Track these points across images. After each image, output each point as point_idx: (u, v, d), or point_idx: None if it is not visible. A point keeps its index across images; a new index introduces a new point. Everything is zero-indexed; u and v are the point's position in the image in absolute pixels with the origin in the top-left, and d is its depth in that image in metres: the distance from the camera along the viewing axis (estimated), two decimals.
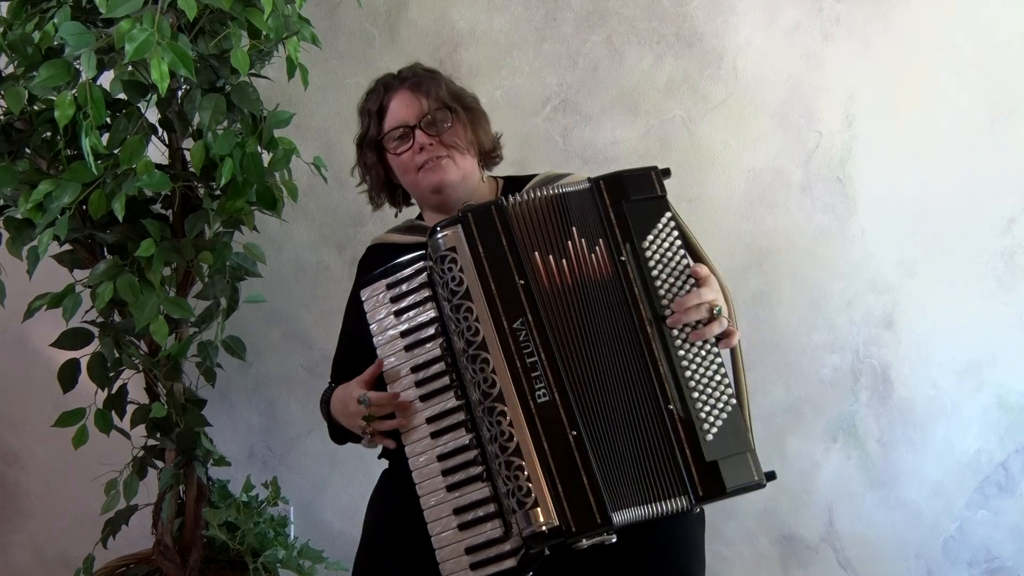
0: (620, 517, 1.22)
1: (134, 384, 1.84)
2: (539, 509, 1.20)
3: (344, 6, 2.17)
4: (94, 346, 1.75)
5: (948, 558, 2.21)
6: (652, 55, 2.14)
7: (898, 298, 2.16)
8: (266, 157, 1.72)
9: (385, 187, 1.61)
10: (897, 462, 2.20)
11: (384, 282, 1.38)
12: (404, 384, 1.34)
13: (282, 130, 1.72)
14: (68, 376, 1.75)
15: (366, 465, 2.25)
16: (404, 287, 1.36)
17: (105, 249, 1.75)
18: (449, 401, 1.31)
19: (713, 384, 1.27)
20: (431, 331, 1.33)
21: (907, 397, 2.18)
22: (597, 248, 1.31)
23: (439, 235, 1.31)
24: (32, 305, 1.67)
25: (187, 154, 1.73)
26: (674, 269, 1.31)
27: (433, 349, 1.32)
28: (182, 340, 1.79)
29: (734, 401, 1.27)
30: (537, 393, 1.24)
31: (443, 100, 1.51)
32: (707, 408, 1.26)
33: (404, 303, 1.35)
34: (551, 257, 1.30)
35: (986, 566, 2.20)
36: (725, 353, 1.33)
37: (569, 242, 1.31)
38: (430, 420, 1.32)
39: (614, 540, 1.22)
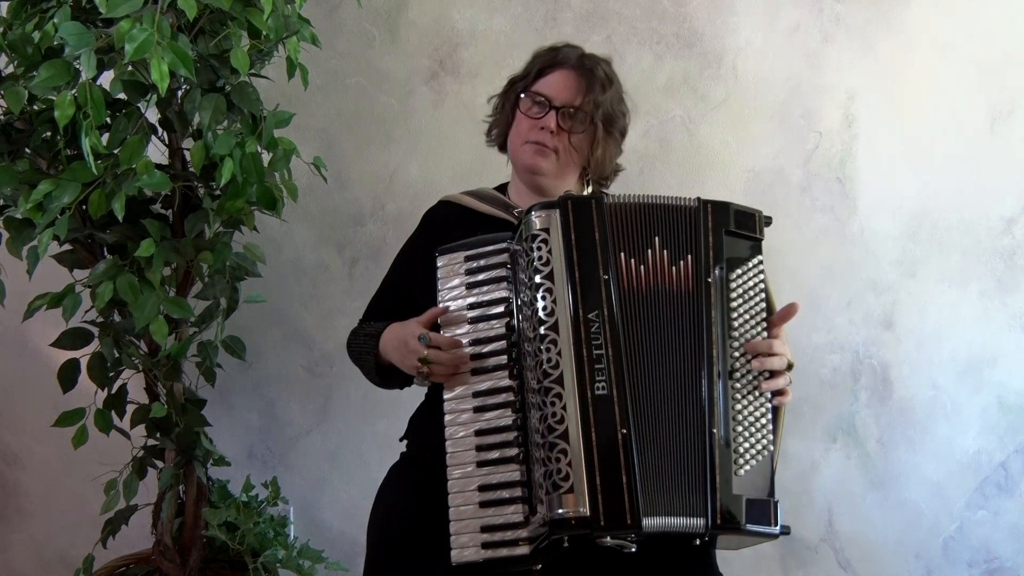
0: (649, 523, 1.20)
1: (134, 384, 1.84)
2: (572, 495, 1.19)
3: (344, 6, 2.17)
4: (94, 346, 1.75)
5: (948, 558, 2.21)
6: (652, 55, 2.14)
7: (898, 298, 2.16)
8: (266, 157, 1.72)
9: (504, 131, 1.59)
10: (897, 462, 2.20)
11: (464, 254, 1.39)
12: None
13: (282, 130, 1.72)
14: (68, 376, 1.75)
15: (366, 465, 2.26)
16: (482, 262, 1.37)
17: (105, 249, 1.75)
18: (502, 380, 1.31)
19: (757, 426, 1.28)
20: (499, 309, 1.34)
21: (907, 397, 2.18)
22: (682, 263, 1.32)
23: (534, 214, 1.32)
24: (32, 305, 1.67)
25: (187, 154, 1.73)
26: (751, 309, 1.33)
27: (498, 327, 1.33)
28: (182, 340, 1.79)
29: (772, 448, 1.28)
30: (597, 385, 1.24)
31: (593, 109, 1.49)
32: (746, 445, 1.27)
33: (479, 277, 1.37)
34: (633, 260, 1.31)
35: (986, 566, 2.21)
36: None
37: (649, 250, 1.32)
38: (477, 395, 1.32)
39: (633, 549, 1.21)
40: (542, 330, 1.26)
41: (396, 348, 1.44)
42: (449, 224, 1.57)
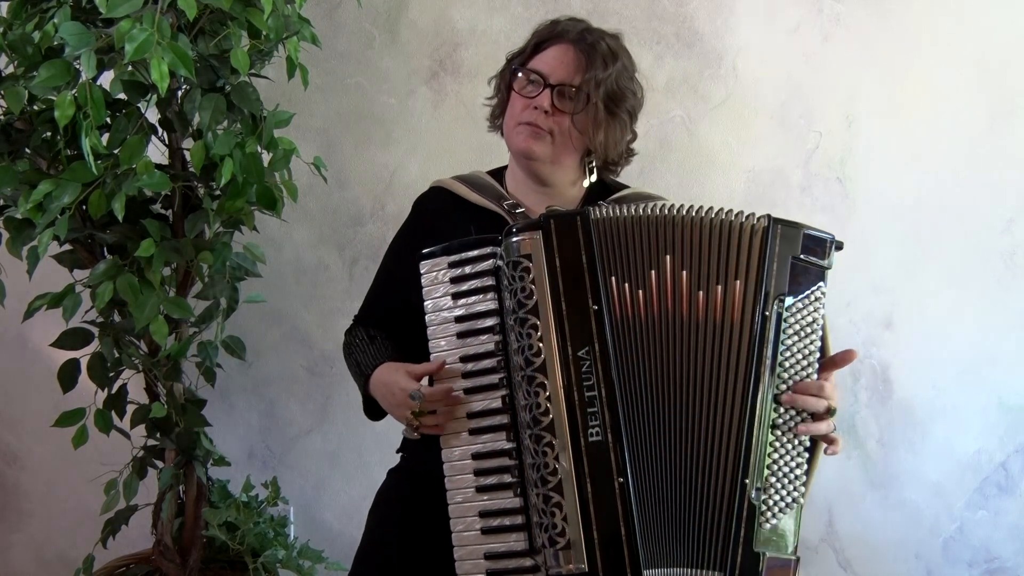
0: (651, 574, 1.16)
1: (134, 384, 1.84)
2: (571, 552, 1.15)
3: (344, 6, 2.17)
4: (94, 346, 1.75)
5: (948, 558, 2.21)
6: (652, 55, 2.14)
7: (898, 298, 2.16)
8: (266, 157, 1.72)
9: (502, 113, 1.48)
10: (897, 462, 2.20)
11: (446, 259, 1.28)
12: (451, 372, 1.27)
13: (282, 130, 1.72)
14: (68, 376, 1.75)
15: (366, 465, 2.26)
16: (467, 269, 1.26)
17: (105, 249, 1.75)
18: (495, 401, 1.24)
19: (790, 477, 1.19)
20: (488, 323, 1.25)
21: (907, 397, 2.18)
22: (719, 288, 1.19)
23: (515, 237, 1.21)
24: (32, 305, 1.67)
25: (187, 154, 1.73)
26: (804, 348, 1.21)
27: (487, 343, 1.25)
28: (182, 340, 1.79)
29: (801, 501, 1.20)
30: (590, 431, 1.16)
31: (596, 87, 1.35)
32: (776, 498, 1.18)
33: (464, 287, 1.27)
34: (627, 285, 1.20)
35: (986, 566, 2.21)
36: None
37: (653, 271, 1.20)
38: (471, 416, 1.25)
39: None
40: (530, 371, 1.18)
41: (386, 399, 1.37)
42: (438, 215, 1.49)
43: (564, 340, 1.18)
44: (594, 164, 1.46)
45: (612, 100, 1.39)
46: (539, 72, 1.38)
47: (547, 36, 1.41)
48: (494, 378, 1.24)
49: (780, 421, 1.20)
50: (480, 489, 1.23)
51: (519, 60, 1.44)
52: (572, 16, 1.45)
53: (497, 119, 1.51)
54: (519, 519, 1.21)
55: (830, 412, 1.22)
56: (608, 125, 1.39)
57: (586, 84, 1.36)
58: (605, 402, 1.17)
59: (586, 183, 1.48)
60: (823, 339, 1.23)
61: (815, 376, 1.21)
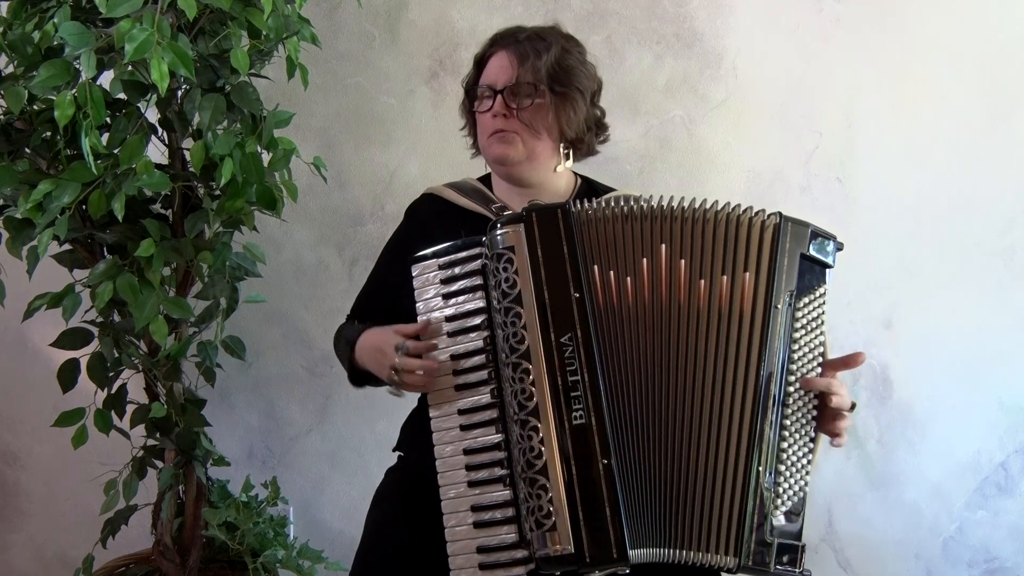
0: (638, 554, 1.18)
1: (134, 384, 1.84)
2: (556, 533, 1.17)
3: (344, 6, 2.17)
4: (94, 346, 1.75)
5: (948, 558, 2.21)
6: (652, 55, 2.14)
7: (898, 298, 2.16)
8: (266, 157, 1.72)
9: (474, 138, 1.54)
10: (896, 462, 2.20)
11: (436, 261, 1.32)
12: (442, 370, 1.30)
13: (282, 130, 1.72)
14: (68, 376, 1.75)
15: (366, 465, 2.26)
16: (457, 270, 1.30)
17: (105, 249, 1.75)
18: (484, 396, 1.27)
19: (799, 466, 1.23)
20: (477, 321, 1.28)
21: (907, 397, 2.18)
22: (725, 278, 1.23)
23: (499, 231, 1.26)
24: (32, 305, 1.67)
25: (187, 154, 1.73)
26: (810, 342, 1.25)
27: (476, 340, 1.28)
28: (182, 340, 1.79)
29: (808, 490, 1.23)
30: (574, 414, 1.19)
31: (536, 75, 1.40)
32: (785, 486, 1.21)
33: (454, 287, 1.31)
34: (612, 273, 1.24)
35: (986, 566, 2.21)
36: None
37: (645, 260, 1.24)
38: (461, 412, 1.28)
39: (627, 572, 1.19)
40: (515, 358, 1.22)
41: (372, 355, 1.40)
42: (430, 220, 1.53)
43: (547, 327, 1.22)
44: (568, 149, 1.48)
45: (557, 81, 1.41)
46: (487, 85, 1.45)
47: (485, 52, 1.49)
48: (483, 374, 1.27)
49: (790, 411, 1.23)
50: (472, 484, 1.26)
51: (471, 81, 1.51)
52: (507, 26, 1.50)
53: (475, 144, 1.56)
54: (510, 511, 1.23)
55: (852, 407, 1.27)
56: (559, 106, 1.42)
57: (524, 75, 1.40)
58: (588, 386, 1.20)
59: (560, 168, 1.49)
60: (824, 335, 1.27)
61: (819, 370, 1.25)
